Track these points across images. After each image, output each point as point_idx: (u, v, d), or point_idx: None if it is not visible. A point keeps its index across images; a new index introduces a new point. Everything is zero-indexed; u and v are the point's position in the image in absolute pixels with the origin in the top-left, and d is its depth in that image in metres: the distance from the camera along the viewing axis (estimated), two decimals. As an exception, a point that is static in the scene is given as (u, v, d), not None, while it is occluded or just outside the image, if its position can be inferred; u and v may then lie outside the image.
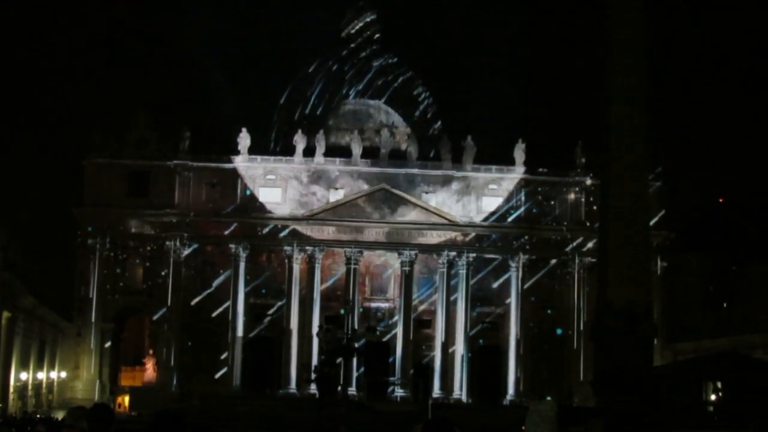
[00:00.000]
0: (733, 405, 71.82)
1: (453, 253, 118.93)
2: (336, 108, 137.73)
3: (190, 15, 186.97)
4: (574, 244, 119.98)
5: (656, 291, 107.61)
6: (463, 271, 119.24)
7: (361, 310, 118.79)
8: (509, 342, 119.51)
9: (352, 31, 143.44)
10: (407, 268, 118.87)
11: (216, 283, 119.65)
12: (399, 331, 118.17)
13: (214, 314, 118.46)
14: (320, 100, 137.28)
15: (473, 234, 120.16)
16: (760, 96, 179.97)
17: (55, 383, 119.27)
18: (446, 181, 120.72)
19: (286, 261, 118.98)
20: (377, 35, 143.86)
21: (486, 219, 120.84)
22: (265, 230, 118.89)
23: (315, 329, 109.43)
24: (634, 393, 43.84)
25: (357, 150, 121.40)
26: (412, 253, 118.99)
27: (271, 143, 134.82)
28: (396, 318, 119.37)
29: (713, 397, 78.86)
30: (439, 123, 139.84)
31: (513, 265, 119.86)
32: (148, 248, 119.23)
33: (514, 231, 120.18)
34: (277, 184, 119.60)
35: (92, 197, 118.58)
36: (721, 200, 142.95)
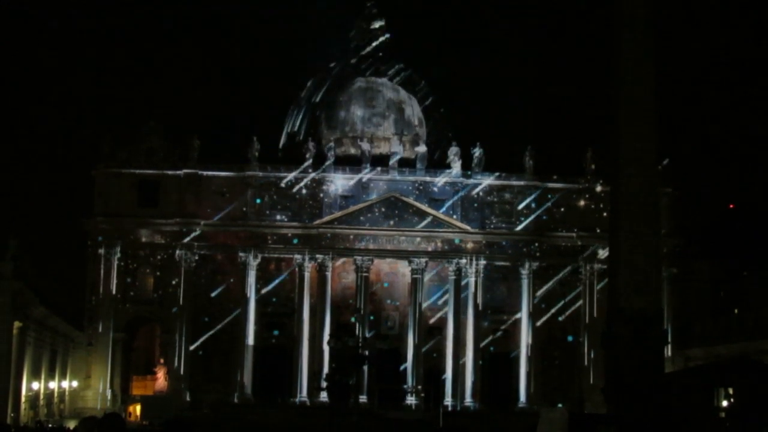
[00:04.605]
0: (745, 411, 71.61)
1: (463, 261, 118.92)
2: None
3: (198, 25, 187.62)
4: (585, 251, 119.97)
5: (667, 297, 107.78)
6: (473, 279, 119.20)
7: (371, 318, 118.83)
8: (520, 349, 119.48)
9: (362, 38, 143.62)
10: (418, 276, 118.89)
11: (226, 292, 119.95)
12: (410, 338, 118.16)
13: (225, 323, 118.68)
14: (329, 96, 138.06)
15: (483, 241, 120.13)
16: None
17: (67, 393, 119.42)
18: (455, 189, 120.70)
19: (297, 269, 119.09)
20: (387, 37, 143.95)
21: (496, 226, 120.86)
22: (276, 239, 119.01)
23: (326, 337, 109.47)
24: (645, 400, 43.77)
25: (366, 158, 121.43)
26: (422, 260, 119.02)
27: (280, 151, 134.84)
28: (407, 326, 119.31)
29: (725, 403, 78.59)
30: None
31: (523, 272, 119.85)
32: (159, 257, 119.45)
33: (524, 238, 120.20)
34: (287, 193, 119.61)
35: (102, 207, 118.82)
36: (731, 206, 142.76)
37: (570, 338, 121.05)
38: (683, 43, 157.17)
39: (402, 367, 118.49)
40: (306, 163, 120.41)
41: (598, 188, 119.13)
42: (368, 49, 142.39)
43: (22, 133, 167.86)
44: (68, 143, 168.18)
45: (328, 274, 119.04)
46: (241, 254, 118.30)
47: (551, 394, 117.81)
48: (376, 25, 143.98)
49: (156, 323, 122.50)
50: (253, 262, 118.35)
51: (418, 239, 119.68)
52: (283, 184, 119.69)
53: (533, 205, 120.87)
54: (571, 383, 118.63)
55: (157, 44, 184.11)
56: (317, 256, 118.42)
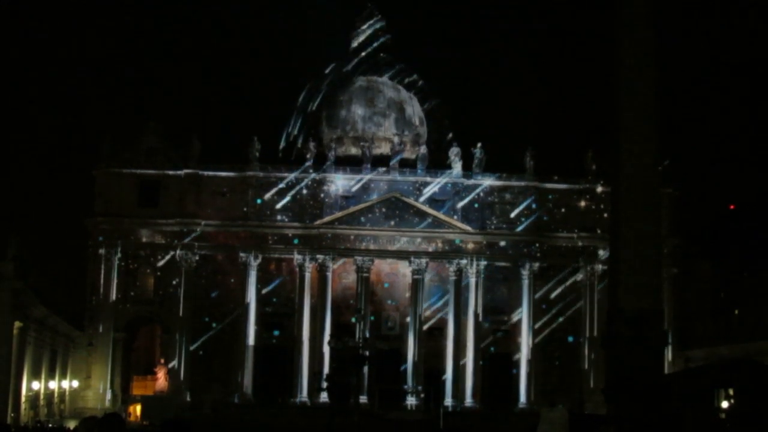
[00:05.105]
0: (746, 412, 71.63)
1: (464, 261, 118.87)
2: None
3: (199, 25, 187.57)
4: (585, 251, 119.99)
5: (667, 298, 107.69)
6: (473, 279, 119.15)
7: (372, 318, 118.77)
8: (521, 350, 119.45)
9: (362, 39, 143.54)
10: (418, 276, 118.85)
11: (227, 292, 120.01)
12: (410, 339, 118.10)
13: (225, 323, 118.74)
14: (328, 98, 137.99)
15: (484, 242, 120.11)
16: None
17: (67, 393, 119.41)
18: (456, 189, 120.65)
19: (297, 269, 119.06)
20: (387, 38, 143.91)
21: (496, 227, 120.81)
22: (276, 239, 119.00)
23: (326, 338, 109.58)
24: (645, 400, 43.72)
25: (367, 158, 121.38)
26: (423, 261, 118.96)
27: (281, 152, 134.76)
28: (407, 326, 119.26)
29: (725, 404, 78.64)
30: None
31: (524, 273, 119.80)
32: (159, 257, 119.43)
33: (525, 239, 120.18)
34: (287, 193, 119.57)
35: (103, 207, 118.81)
36: (732, 207, 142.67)
37: (570, 339, 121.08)
38: (684, 43, 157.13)
39: (402, 368, 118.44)
40: (307, 164, 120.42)
41: (599, 189, 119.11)
42: (368, 50, 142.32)
43: (22, 133, 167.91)
44: (69, 143, 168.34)
45: (329, 275, 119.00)
46: (241, 254, 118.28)
47: (551, 394, 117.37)
48: (377, 25, 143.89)
49: (156, 323, 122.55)
50: (254, 263, 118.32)
51: (419, 240, 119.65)
52: (283, 184, 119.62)
53: (534, 205, 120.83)
54: (572, 383, 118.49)
55: (158, 44, 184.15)
56: (318, 256, 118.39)
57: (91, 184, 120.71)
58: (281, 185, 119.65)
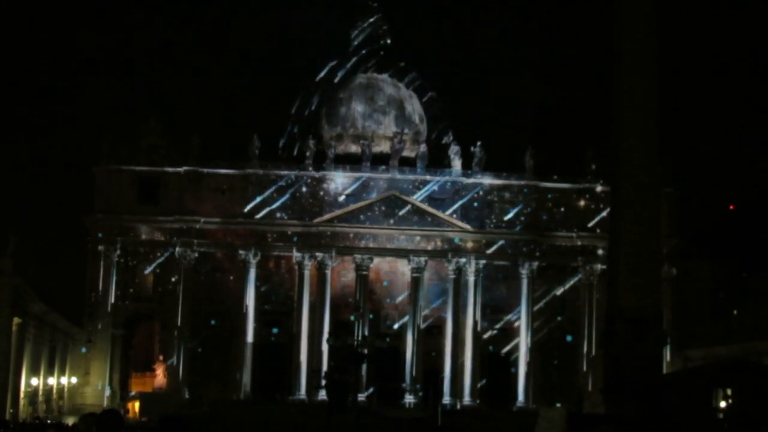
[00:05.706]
0: (744, 412, 71.66)
1: (463, 260, 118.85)
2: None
3: (200, 22, 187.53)
4: (585, 251, 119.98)
5: (666, 298, 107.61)
6: (472, 278, 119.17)
7: (371, 316, 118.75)
8: (519, 349, 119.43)
9: (362, 37, 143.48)
10: (417, 275, 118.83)
11: (226, 289, 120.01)
12: (409, 337, 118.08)
13: (224, 320, 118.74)
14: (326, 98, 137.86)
15: (483, 241, 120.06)
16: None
17: (66, 389, 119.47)
18: (455, 188, 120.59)
19: (296, 267, 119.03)
20: (386, 36, 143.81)
21: (496, 226, 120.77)
22: (275, 236, 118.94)
23: (325, 335, 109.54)
24: (644, 400, 43.79)
25: (367, 156, 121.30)
26: (422, 259, 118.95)
27: (280, 150, 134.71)
28: (406, 324, 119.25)
29: (723, 404, 78.67)
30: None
31: (523, 272, 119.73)
32: (158, 254, 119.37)
33: (524, 238, 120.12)
34: (287, 191, 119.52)
35: (102, 204, 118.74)
36: (731, 207, 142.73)
37: (569, 338, 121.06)
38: (684, 44, 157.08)
39: (401, 366, 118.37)
40: (306, 161, 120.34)
41: (599, 188, 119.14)
42: (368, 48, 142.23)
43: (22, 130, 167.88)
44: (69, 140, 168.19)
45: (328, 273, 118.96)
46: (240, 252, 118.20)
47: (550, 393, 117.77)
48: (377, 24, 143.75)
49: (155, 320, 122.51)
50: (253, 260, 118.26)
51: (418, 238, 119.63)
52: (283, 182, 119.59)
53: (533, 204, 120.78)
54: (570, 382, 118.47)
55: (158, 43, 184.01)
56: (317, 254, 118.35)
57: (90, 181, 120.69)
58: (281, 183, 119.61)
